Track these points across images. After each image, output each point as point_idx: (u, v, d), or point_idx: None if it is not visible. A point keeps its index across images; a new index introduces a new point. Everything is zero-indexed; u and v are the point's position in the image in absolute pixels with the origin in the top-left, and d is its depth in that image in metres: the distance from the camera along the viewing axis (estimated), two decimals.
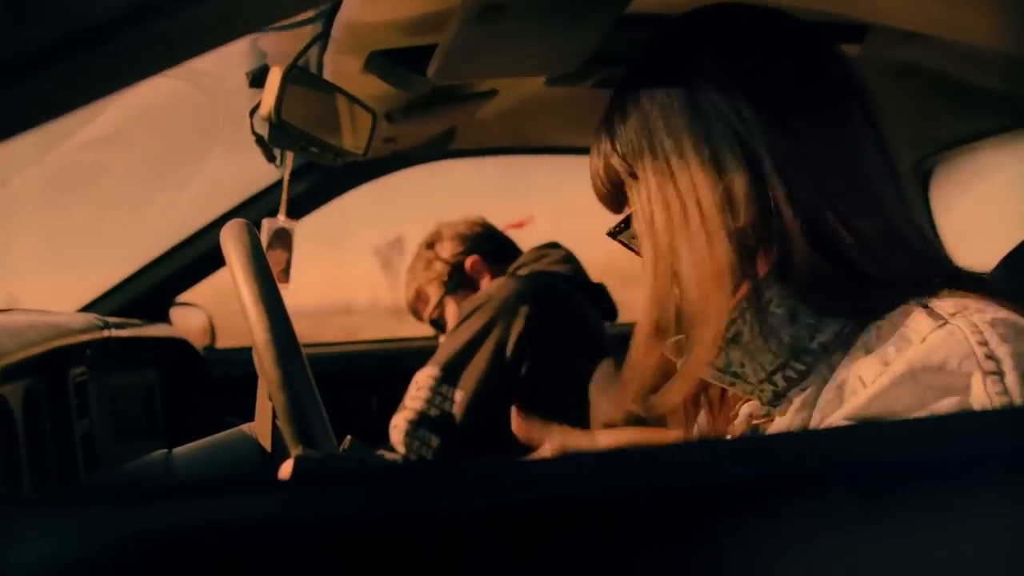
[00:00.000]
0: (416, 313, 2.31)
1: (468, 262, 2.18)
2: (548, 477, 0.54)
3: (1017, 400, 0.71)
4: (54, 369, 1.48)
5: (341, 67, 1.38)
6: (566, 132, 2.17)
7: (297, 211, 2.20)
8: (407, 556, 0.49)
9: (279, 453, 0.94)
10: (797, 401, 0.86)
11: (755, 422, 0.95)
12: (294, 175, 1.76)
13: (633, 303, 1.11)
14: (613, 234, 0.98)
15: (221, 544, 0.48)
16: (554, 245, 2.18)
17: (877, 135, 0.91)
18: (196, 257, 2.34)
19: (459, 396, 1.85)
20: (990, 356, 0.73)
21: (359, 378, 2.27)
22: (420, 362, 2.04)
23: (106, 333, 1.69)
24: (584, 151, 2.32)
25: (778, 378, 0.88)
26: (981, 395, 0.72)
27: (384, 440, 1.95)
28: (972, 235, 2.35)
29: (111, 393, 1.87)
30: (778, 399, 0.89)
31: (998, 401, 0.72)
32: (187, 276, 2.37)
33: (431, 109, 1.69)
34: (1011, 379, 0.72)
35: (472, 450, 1.86)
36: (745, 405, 0.98)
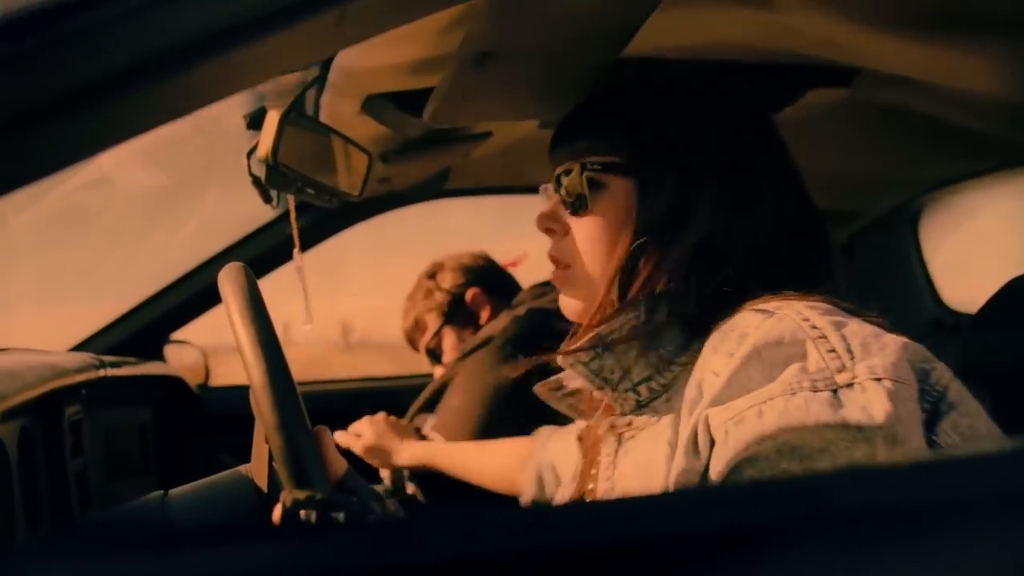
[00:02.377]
0: (412, 342, 2.31)
1: (469, 294, 2.19)
2: (535, 525, 0.54)
3: (844, 354, 0.84)
4: (49, 409, 1.48)
5: (338, 109, 1.39)
6: None
7: (287, 252, 2.21)
8: None
9: (275, 494, 0.95)
10: (663, 408, 0.99)
11: (619, 431, 1.04)
12: (287, 215, 1.78)
13: None
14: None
15: None
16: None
17: (783, 179, 1.07)
18: (191, 295, 2.34)
19: (440, 440, 1.85)
20: (814, 327, 0.87)
21: (352, 417, 2.27)
22: (414, 399, 2.05)
23: (102, 372, 1.69)
24: None
25: (643, 388, 1.01)
26: (816, 357, 0.84)
27: (377, 478, 1.95)
28: (961, 273, 2.38)
29: (105, 431, 1.87)
30: (639, 408, 1.02)
31: (829, 358, 0.84)
32: (182, 314, 2.37)
33: (426, 150, 1.70)
34: (835, 339, 0.86)
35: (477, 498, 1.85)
36: (610, 417, 1.07)
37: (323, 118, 1.44)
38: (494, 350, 1.88)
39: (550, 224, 1.11)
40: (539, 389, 1.18)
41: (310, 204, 2.20)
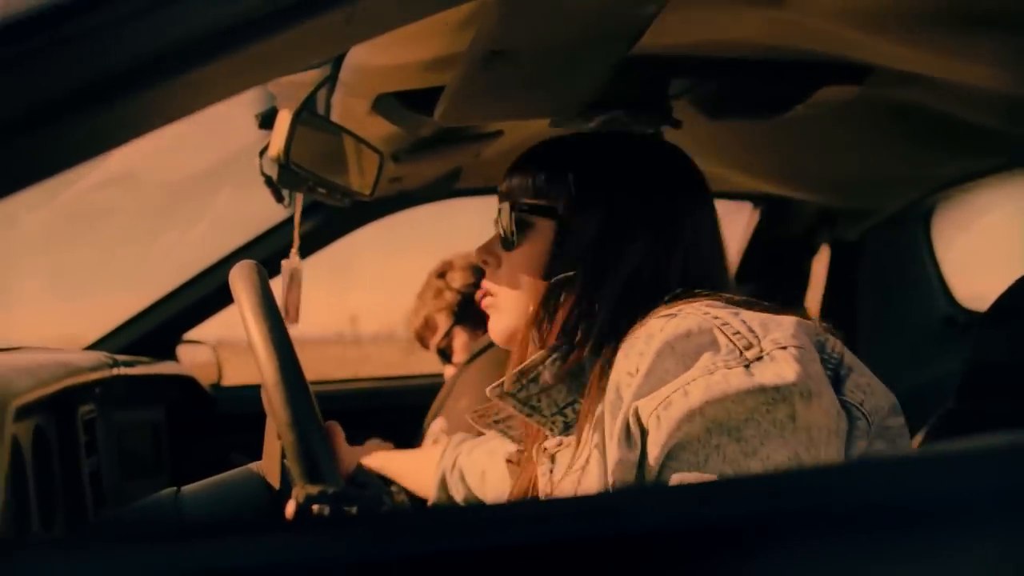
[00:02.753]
0: (423, 341, 2.30)
1: (480, 293, 2.18)
2: (541, 517, 0.54)
3: (748, 334, 0.94)
4: (64, 408, 1.49)
5: (349, 109, 1.39)
6: None
7: (303, 250, 2.21)
8: None
9: (287, 491, 0.95)
10: (589, 424, 1.05)
11: (551, 452, 1.13)
12: (302, 214, 1.78)
13: None
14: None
15: None
16: None
17: (686, 203, 1.15)
18: (203, 294, 2.35)
19: None
20: (716, 317, 0.96)
21: (363, 416, 2.27)
22: (424, 399, 2.05)
23: (115, 371, 1.70)
24: None
25: (568, 411, 1.10)
26: (724, 341, 0.94)
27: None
28: (973, 270, 2.37)
29: (119, 431, 1.88)
30: (568, 429, 1.10)
31: (736, 339, 0.94)
32: (194, 313, 2.38)
33: (437, 149, 1.71)
34: (737, 324, 0.95)
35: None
36: (545, 442, 1.16)
37: (334, 117, 1.44)
38: (501, 352, 1.89)
39: (485, 256, 1.21)
40: (473, 418, 1.28)
41: (322, 203, 2.21)
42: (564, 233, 1.13)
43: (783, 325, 0.96)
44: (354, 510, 0.72)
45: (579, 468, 1.05)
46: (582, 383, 1.08)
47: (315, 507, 0.69)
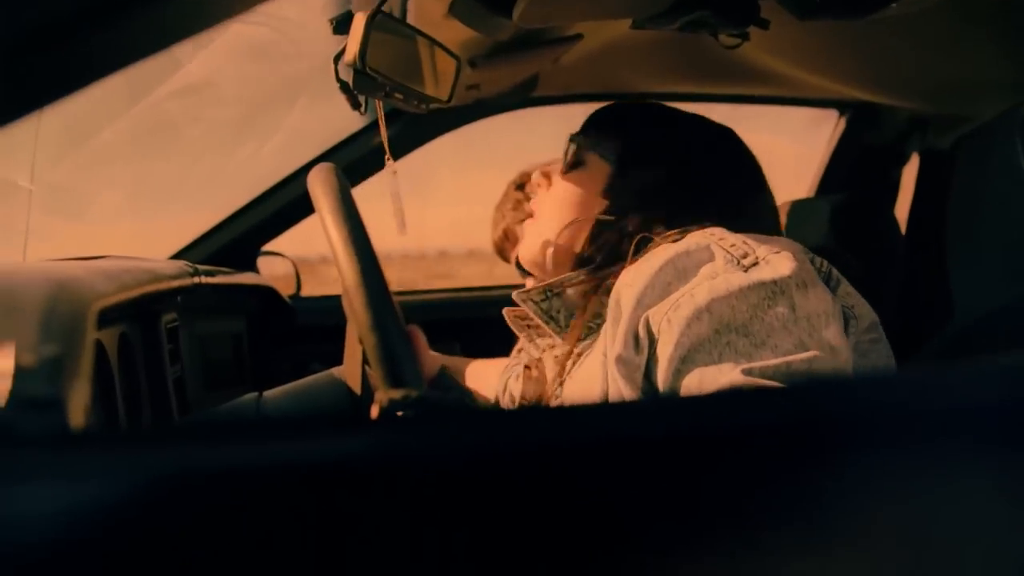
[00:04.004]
0: (502, 253, 2.29)
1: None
2: (638, 417, 0.53)
3: (743, 246, 1.05)
4: (147, 315, 1.51)
5: (425, 11, 1.37)
6: (651, 77, 2.13)
7: (380, 159, 2.20)
8: (497, 494, 0.48)
9: (368, 396, 0.95)
10: (599, 333, 1.16)
11: (562, 360, 1.22)
12: (377, 123, 1.76)
13: None
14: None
15: (313, 482, 0.48)
16: None
17: (695, 167, 1.28)
18: (283, 205, 2.36)
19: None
20: (712, 234, 1.09)
21: (442, 326, 2.28)
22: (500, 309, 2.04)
23: (196, 280, 1.72)
24: (669, 96, 2.29)
25: (582, 331, 1.21)
26: (722, 253, 1.04)
27: None
28: None
29: (201, 340, 1.91)
30: (579, 341, 1.21)
31: (733, 250, 1.04)
32: (274, 224, 2.39)
33: (515, 55, 1.67)
34: (733, 239, 1.07)
35: None
36: (549, 351, 1.31)
37: (410, 21, 1.42)
38: None
39: (541, 178, 1.38)
40: (507, 313, 1.40)
41: (399, 112, 2.19)
42: (614, 179, 1.29)
43: (775, 240, 1.08)
44: (438, 413, 0.72)
45: (585, 379, 1.15)
46: (600, 303, 1.20)
47: (399, 413, 0.69)
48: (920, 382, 0.60)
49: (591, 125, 1.36)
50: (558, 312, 1.24)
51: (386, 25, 1.31)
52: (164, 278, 1.53)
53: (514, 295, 1.27)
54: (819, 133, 2.55)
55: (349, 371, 1.02)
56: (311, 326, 2.40)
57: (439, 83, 1.49)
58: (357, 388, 1.00)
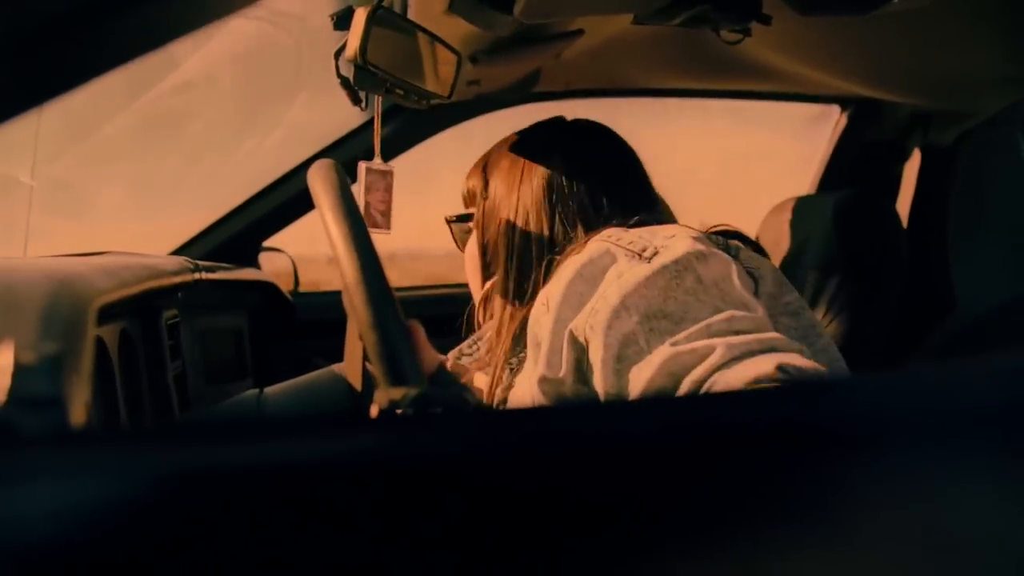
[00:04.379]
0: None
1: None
2: (628, 417, 0.53)
3: (639, 240, 1.08)
4: (147, 311, 1.51)
5: (425, 7, 1.36)
6: (653, 73, 2.13)
7: (382, 155, 2.19)
8: (498, 494, 0.48)
9: (369, 392, 0.95)
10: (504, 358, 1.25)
11: (504, 394, 1.24)
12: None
13: None
14: (449, 220, 1.48)
15: (314, 481, 0.48)
16: None
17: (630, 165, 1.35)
18: (283, 201, 2.36)
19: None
20: (610, 236, 1.11)
21: (438, 322, 2.28)
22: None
23: (197, 276, 1.72)
24: (670, 92, 2.27)
25: (514, 360, 1.25)
26: (622, 253, 1.07)
27: None
28: None
29: (202, 335, 1.91)
30: (512, 373, 1.24)
31: (631, 247, 1.07)
32: (274, 220, 2.39)
33: (515, 50, 1.67)
34: (630, 236, 1.10)
35: None
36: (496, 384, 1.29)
37: (411, 16, 1.41)
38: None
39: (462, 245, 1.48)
40: (451, 355, 1.47)
41: (400, 108, 2.18)
42: (483, 228, 1.37)
43: (669, 227, 1.13)
44: (439, 411, 0.72)
45: (516, 401, 1.20)
46: (520, 338, 1.25)
47: (399, 411, 0.69)
48: (921, 382, 0.60)
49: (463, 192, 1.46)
50: (488, 361, 1.32)
51: (387, 20, 1.31)
52: (164, 274, 1.52)
53: (449, 363, 1.42)
54: (820, 130, 2.55)
55: (350, 368, 1.02)
56: (313, 321, 2.40)
57: (440, 79, 1.48)
58: (358, 385, 1.00)
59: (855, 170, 2.48)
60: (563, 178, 1.30)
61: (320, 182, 0.91)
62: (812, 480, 0.53)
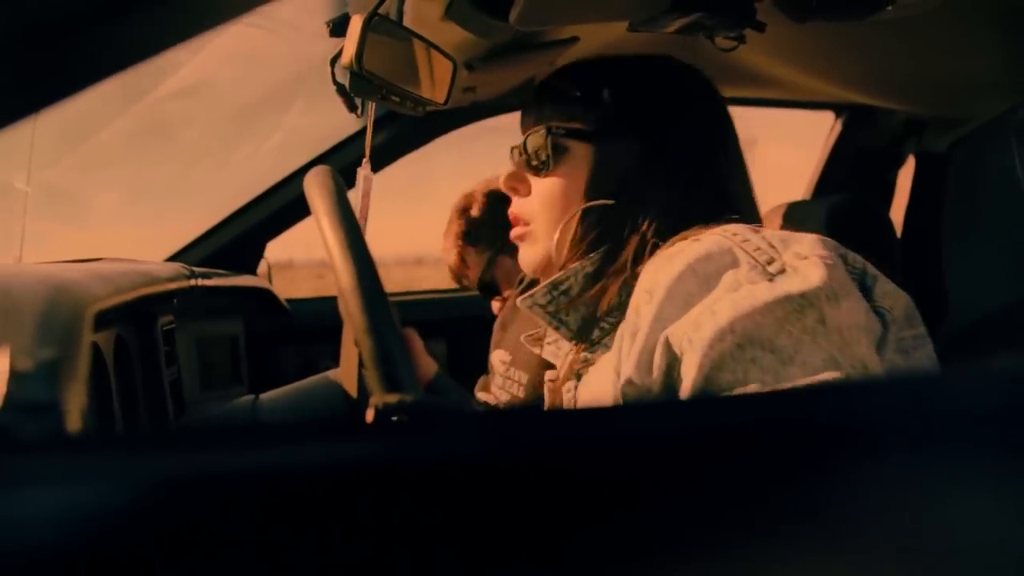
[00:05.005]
0: (461, 280, 2.25)
1: (512, 219, 2.11)
2: (617, 422, 0.53)
3: (768, 249, 0.96)
4: (143, 317, 1.51)
5: (421, 14, 1.37)
6: None
7: (378, 162, 2.20)
8: (497, 497, 0.48)
9: (364, 399, 0.95)
10: (613, 342, 1.07)
11: (577, 368, 1.14)
12: (375, 125, 1.76)
13: None
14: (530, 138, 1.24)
15: (309, 487, 0.48)
16: None
17: (719, 134, 1.19)
18: (279, 207, 2.36)
19: (524, 379, 1.81)
20: (735, 234, 0.99)
21: (430, 326, 2.28)
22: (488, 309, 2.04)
23: (193, 282, 1.72)
24: None
25: (595, 328, 1.12)
26: (745, 258, 0.95)
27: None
28: None
29: (197, 342, 1.91)
30: (594, 346, 1.12)
31: (757, 255, 0.95)
32: (271, 226, 2.39)
33: (511, 57, 1.67)
34: (757, 240, 0.98)
35: None
36: (571, 355, 1.18)
37: (407, 23, 1.42)
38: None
39: (514, 184, 1.23)
40: (527, 340, 1.32)
41: (396, 114, 2.19)
42: (601, 159, 1.16)
43: (803, 239, 0.98)
44: (433, 418, 0.72)
45: (596, 393, 1.08)
46: (609, 302, 1.11)
47: (394, 417, 0.69)
48: (923, 386, 0.60)
49: (552, 108, 1.21)
50: (567, 315, 1.14)
51: (383, 27, 1.31)
52: (160, 280, 1.53)
53: (518, 302, 1.17)
54: (815, 136, 2.56)
55: (345, 374, 1.02)
56: (308, 328, 2.41)
57: (435, 86, 1.49)
58: (353, 391, 1.00)
59: (850, 176, 2.49)
60: (708, 150, 1.16)
61: (316, 189, 0.92)
62: (814, 484, 0.53)
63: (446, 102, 1.51)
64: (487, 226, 2.15)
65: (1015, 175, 2.28)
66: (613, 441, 0.51)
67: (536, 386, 1.77)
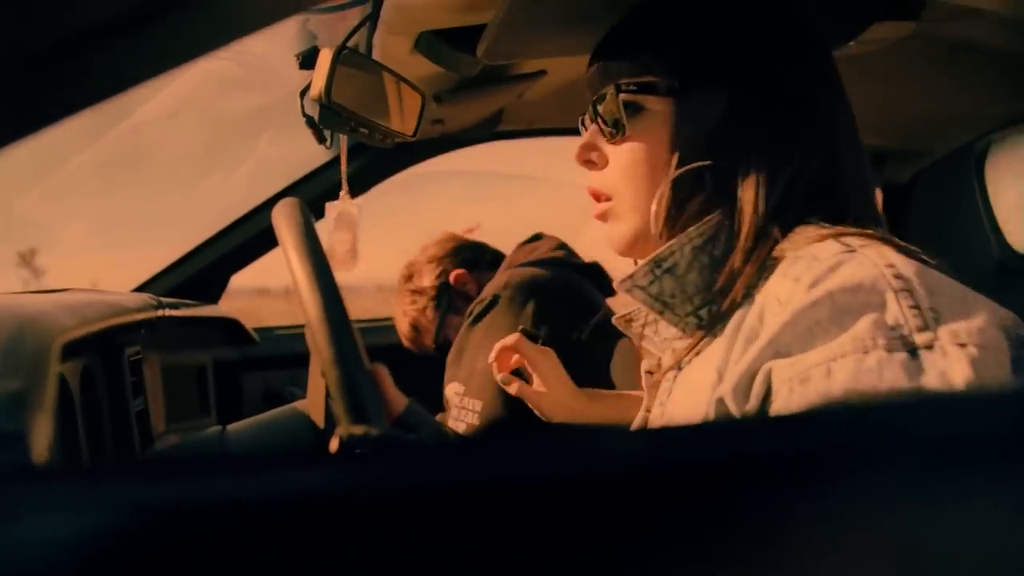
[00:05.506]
0: (418, 345, 2.27)
1: (452, 277, 2.16)
2: (596, 451, 0.54)
3: (927, 312, 0.77)
4: (110, 348, 1.51)
5: (390, 48, 1.38)
6: None
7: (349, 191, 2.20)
8: (458, 528, 0.49)
9: (332, 430, 0.95)
10: (726, 329, 0.92)
11: (679, 356, 1.00)
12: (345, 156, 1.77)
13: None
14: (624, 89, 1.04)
15: (274, 517, 0.48)
16: (538, 236, 2.14)
17: (843, 104, 1.02)
18: (248, 237, 2.36)
19: (479, 406, 1.79)
20: (898, 276, 0.80)
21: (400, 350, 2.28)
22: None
23: (160, 312, 1.71)
24: None
25: (704, 312, 0.97)
26: (895, 310, 0.78)
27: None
28: None
29: (165, 372, 1.90)
30: (702, 330, 0.97)
31: (911, 314, 0.77)
32: (239, 256, 2.39)
33: (479, 90, 1.69)
34: (920, 294, 0.78)
35: None
36: (674, 343, 1.04)
37: (376, 57, 1.43)
38: (506, 305, 1.85)
39: (589, 155, 1.06)
40: (618, 322, 1.14)
41: (365, 145, 2.20)
42: (684, 114, 0.98)
43: (974, 312, 0.78)
44: (399, 448, 0.72)
45: (694, 389, 0.95)
46: (717, 280, 0.95)
47: (358, 448, 0.69)
48: (915, 410, 0.61)
49: (621, 63, 1.03)
50: (672, 296, 0.98)
51: (352, 61, 1.33)
52: (128, 311, 1.52)
53: (616, 285, 1.01)
54: None
55: (312, 405, 1.03)
56: (276, 357, 2.40)
57: (404, 118, 1.50)
58: (320, 422, 1.00)
59: None
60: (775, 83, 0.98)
61: (284, 221, 0.92)
62: (814, 507, 0.54)
63: (415, 134, 1.52)
64: (432, 290, 2.19)
65: (975, 204, 2.32)
66: (588, 471, 0.52)
67: (492, 412, 1.78)
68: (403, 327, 2.26)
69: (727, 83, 0.97)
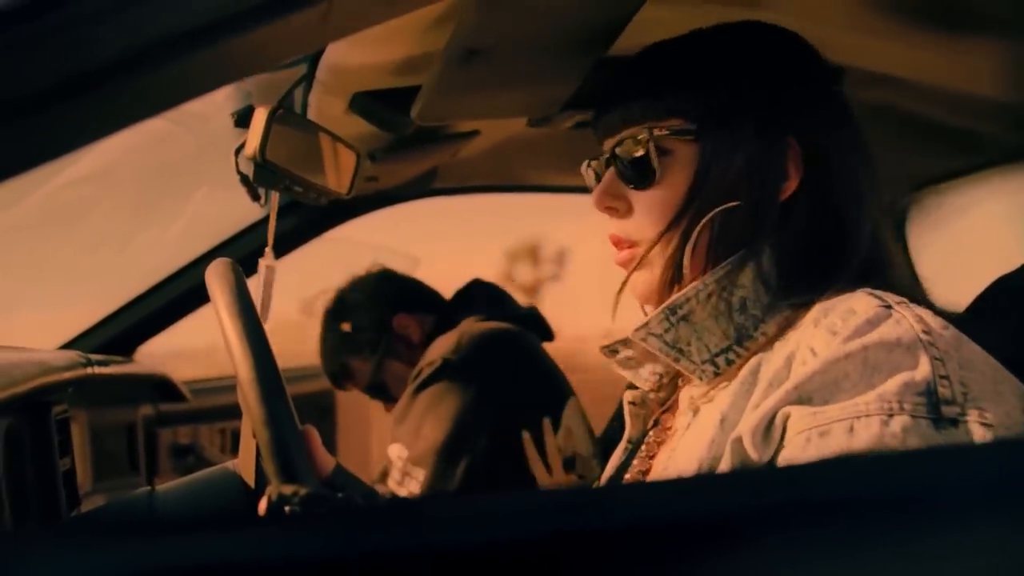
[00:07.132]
0: (343, 386, 2.19)
1: (395, 323, 2.07)
2: (522, 513, 0.54)
3: (956, 386, 0.77)
4: (37, 407, 1.48)
5: (325, 107, 1.39)
6: (549, 171, 2.19)
7: (280, 249, 2.19)
8: None
9: (262, 490, 0.95)
10: (743, 371, 0.90)
11: (697, 404, 0.96)
12: (279, 213, 1.76)
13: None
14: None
15: None
16: (477, 282, 2.13)
17: (867, 152, 1.02)
18: (179, 293, 2.33)
19: (422, 475, 1.76)
20: (933, 344, 0.79)
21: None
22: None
23: (89, 371, 1.69)
24: (568, 189, 2.32)
25: (720, 360, 0.94)
26: (927, 373, 0.77)
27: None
28: (947, 273, 2.38)
29: (92, 430, 1.87)
30: (718, 377, 0.94)
31: (940, 384, 0.77)
32: (169, 313, 2.36)
33: (414, 149, 1.70)
34: (952, 366, 0.78)
35: None
36: (686, 389, 1.02)
37: (311, 116, 1.44)
38: (453, 372, 1.82)
39: (611, 203, 1.01)
40: (604, 351, 1.09)
41: (299, 202, 2.20)
42: (714, 155, 0.95)
43: (1004, 394, 0.79)
44: (324, 512, 0.72)
45: (702, 431, 0.91)
46: (739, 329, 0.94)
47: (287, 508, 0.69)
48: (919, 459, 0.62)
49: (642, 105, 0.99)
50: (688, 344, 0.95)
51: (287, 120, 1.33)
52: (55, 370, 1.50)
53: (632, 334, 0.98)
54: None
55: (243, 464, 1.02)
56: (207, 412, 2.37)
57: (339, 176, 1.50)
58: (251, 482, 0.99)
59: None
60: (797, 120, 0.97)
61: (217, 280, 0.92)
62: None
63: (349, 192, 1.53)
64: (370, 334, 2.09)
65: (907, 255, 2.37)
66: (523, 536, 0.52)
67: (435, 483, 1.76)
68: (330, 366, 2.16)
69: (753, 122, 0.96)
